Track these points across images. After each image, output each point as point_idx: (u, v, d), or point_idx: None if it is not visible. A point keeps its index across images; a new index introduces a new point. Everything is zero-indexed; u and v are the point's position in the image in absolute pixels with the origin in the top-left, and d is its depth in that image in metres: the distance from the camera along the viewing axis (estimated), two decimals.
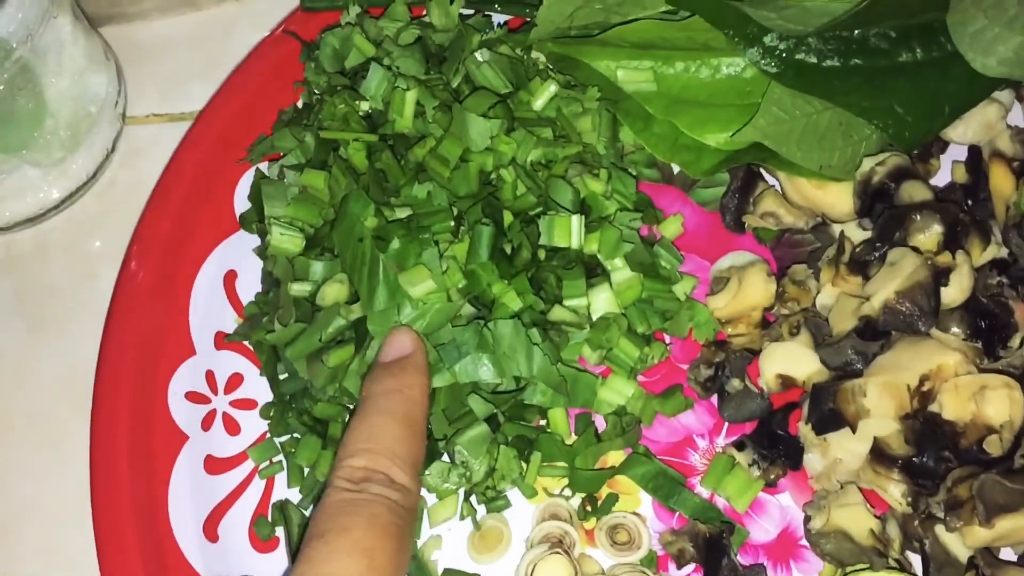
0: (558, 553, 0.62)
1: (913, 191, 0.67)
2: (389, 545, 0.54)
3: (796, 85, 0.66)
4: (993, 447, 0.61)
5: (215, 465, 0.69)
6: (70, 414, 0.74)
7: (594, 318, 0.65)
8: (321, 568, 0.52)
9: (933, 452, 0.61)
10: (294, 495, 0.67)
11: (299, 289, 0.65)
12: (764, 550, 0.66)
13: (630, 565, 0.64)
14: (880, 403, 0.62)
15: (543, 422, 0.66)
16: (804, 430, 0.65)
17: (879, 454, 0.62)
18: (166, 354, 0.71)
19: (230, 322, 0.72)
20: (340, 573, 0.52)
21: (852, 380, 0.63)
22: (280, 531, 0.67)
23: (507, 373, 0.62)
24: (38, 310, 0.78)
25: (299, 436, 0.67)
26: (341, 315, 0.63)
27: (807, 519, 0.64)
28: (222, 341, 0.71)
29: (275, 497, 0.68)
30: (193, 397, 0.70)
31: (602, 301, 0.65)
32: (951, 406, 0.61)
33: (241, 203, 0.74)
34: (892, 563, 0.62)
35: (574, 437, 0.66)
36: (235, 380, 0.71)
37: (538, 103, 0.69)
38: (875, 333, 0.64)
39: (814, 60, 0.66)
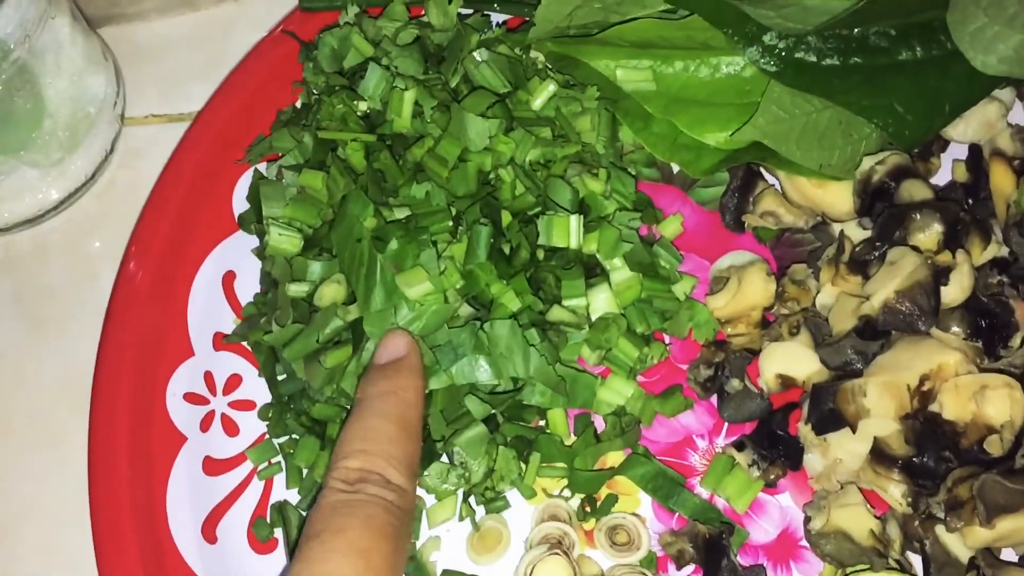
0: (557, 554, 0.62)
1: (913, 190, 0.66)
2: (385, 546, 0.54)
3: (795, 84, 0.66)
4: (994, 447, 0.61)
5: (214, 466, 0.69)
6: (69, 415, 0.74)
7: (593, 318, 0.65)
8: (317, 568, 0.52)
9: (933, 452, 0.61)
10: (293, 496, 0.67)
11: (297, 290, 0.65)
12: (764, 551, 0.66)
13: (629, 566, 0.64)
14: (880, 403, 0.61)
15: (542, 423, 0.66)
16: (804, 430, 0.65)
17: (879, 454, 0.62)
18: (165, 355, 0.71)
19: (229, 323, 0.72)
20: (336, 574, 0.52)
21: (852, 380, 0.63)
22: (279, 532, 0.67)
23: (504, 374, 0.62)
24: (37, 311, 0.78)
25: (297, 437, 0.67)
26: (338, 316, 0.63)
27: (807, 520, 0.64)
28: (221, 342, 0.71)
29: (274, 498, 0.68)
30: (192, 398, 0.70)
31: (601, 301, 0.65)
32: (951, 406, 0.61)
33: (240, 204, 0.74)
34: (892, 564, 0.61)
35: (573, 438, 0.66)
36: (234, 381, 0.71)
37: (537, 103, 0.68)
38: (875, 333, 0.64)
39: (813, 59, 0.66)
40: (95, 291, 0.77)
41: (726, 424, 0.68)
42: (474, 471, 0.62)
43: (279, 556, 0.67)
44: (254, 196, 0.71)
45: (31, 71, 0.72)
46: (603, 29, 0.71)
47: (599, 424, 0.67)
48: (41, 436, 0.75)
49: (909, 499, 0.62)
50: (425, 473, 0.62)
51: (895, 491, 0.62)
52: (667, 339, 0.69)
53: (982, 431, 0.61)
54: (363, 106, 0.68)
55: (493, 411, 0.63)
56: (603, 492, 0.66)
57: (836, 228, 0.69)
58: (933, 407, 0.62)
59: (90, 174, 0.79)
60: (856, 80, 0.66)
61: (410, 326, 0.61)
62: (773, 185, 0.72)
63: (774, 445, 0.66)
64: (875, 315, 0.63)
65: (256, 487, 0.68)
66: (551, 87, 0.68)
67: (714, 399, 0.68)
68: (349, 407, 0.65)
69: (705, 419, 0.68)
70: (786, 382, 0.66)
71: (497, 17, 0.76)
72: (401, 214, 0.64)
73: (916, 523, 0.62)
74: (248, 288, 0.72)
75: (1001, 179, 0.68)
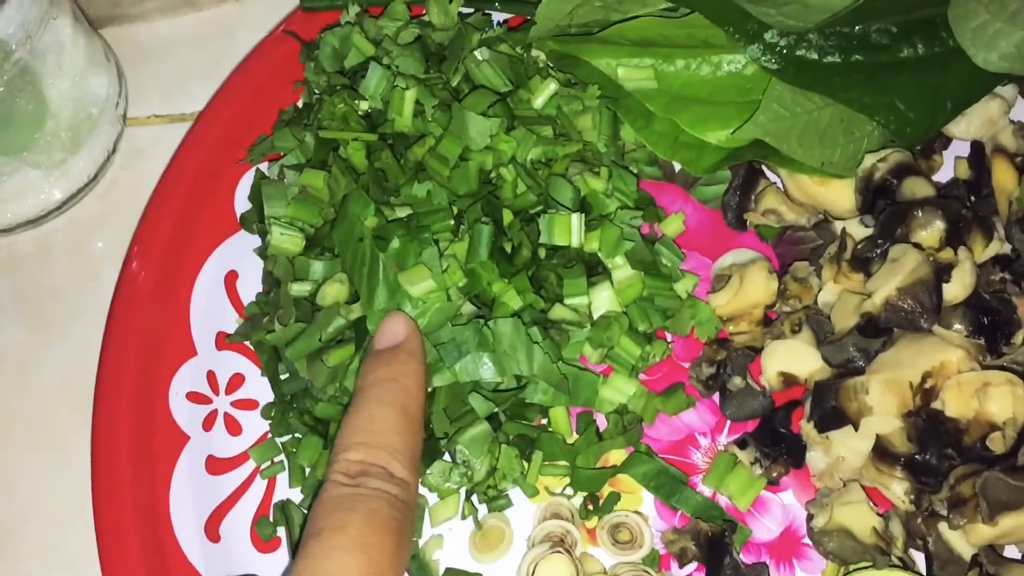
0: (560, 552, 0.62)
1: (915, 187, 0.66)
2: (388, 540, 0.53)
3: (797, 82, 0.66)
4: (996, 444, 0.61)
5: (217, 465, 0.69)
6: (71, 415, 0.74)
7: (595, 316, 0.65)
8: (319, 566, 0.51)
9: (936, 449, 0.61)
10: (296, 495, 0.67)
11: (299, 289, 0.65)
12: (766, 548, 0.66)
13: (632, 564, 0.64)
14: (882, 400, 0.61)
15: (544, 421, 0.66)
16: (806, 428, 0.65)
17: (882, 452, 0.62)
18: (167, 354, 0.71)
19: (231, 322, 0.72)
20: (339, 570, 0.51)
21: (854, 378, 0.63)
22: (282, 531, 0.67)
23: (508, 372, 0.62)
24: (40, 311, 0.78)
25: (300, 436, 0.67)
26: (341, 315, 0.63)
27: (810, 517, 0.64)
28: (223, 341, 0.71)
29: (277, 497, 0.68)
30: (194, 397, 0.70)
31: (603, 299, 0.65)
32: (954, 403, 0.61)
33: (242, 203, 0.74)
34: (895, 561, 0.61)
35: (575, 436, 0.66)
36: (236, 380, 0.71)
37: (538, 101, 0.68)
38: (877, 330, 0.64)
39: (815, 56, 0.66)
40: (97, 291, 0.77)
41: (728, 422, 0.68)
42: (477, 469, 0.62)
43: (282, 555, 0.67)
44: (256, 196, 0.72)
45: (33, 72, 0.72)
46: (604, 27, 0.71)
47: (601, 422, 0.67)
48: (43, 436, 0.75)
49: (912, 496, 0.62)
50: (428, 471, 0.62)
51: (898, 488, 0.62)
52: (669, 337, 0.69)
53: (984, 428, 0.61)
54: (364, 105, 0.68)
55: (497, 409, 0.63)
56: (605, 490, 0.66)
57: (838, 226, 0.69)
58: (935, 404, 0.62)
59: (92, 174, 0.80)
60: (857, 78, 0.66)
61: None
62: (775, 183, 0.72)
63: (776, 443, 0.66)
64: (877, 312, 0.63)
65: (259, 486, 0.68)
66: (552, 86, 0.68)
67: (716, 397, 0.68)
68: None
69: (707, 417, 0.68)
70: (788, 380, 0.66)
71: (498, 16, 0.76)
72: (403, 213, 0.64)
73: (919, 521, 0.62)
74: (250, 287, 0.72)
75: (1003, 176, 0.68)
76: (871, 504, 0.63)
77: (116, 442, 0.68)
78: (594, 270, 0.66)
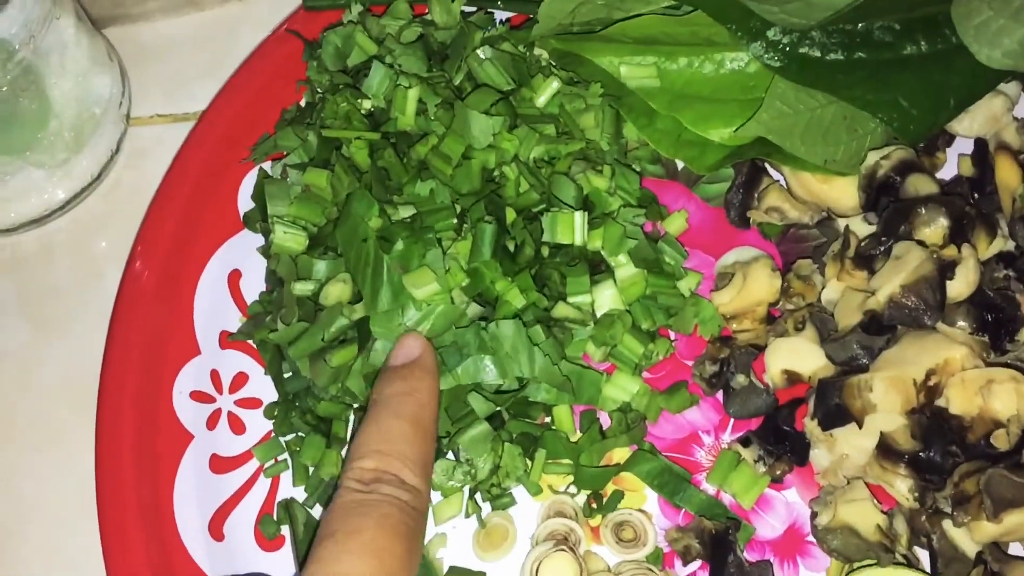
0: (563, 550, 0.62)
1: (919, 184, 0.66)
2: (399, 545, 0.54)
3: (800, 79, 0.66)
4: (1000, 441, 0.60)
5: (220, 464, 0.69)
6: (74, 415, 0.74)
7: (598, 315, 0.65)
8: (331, 568, 0.52)
9: (940, 447, 0.61)
10: (299, 494, 0.67)
11: (302, 288, 0.65)
12: (770, 546, 0.66)
13: (636, 562, 0.64)
14: (886, 398, 0.61)
15: (548, 419, 0.66)
16: (810, 426, 0.64)
17: (886, 449, 0.62)
18: (171, 353, 0.71)
19: (234, 321, 0.72)
20: (350, 574, 0.52)
21: (858, 375, 0.62)
22: (285, 530, 0.67)
23: (509, 374, 0.62)
24: (43, 311, 0.78)
25: (303, 435, 0.67)
26: (344, 315, 0.63)
27: (813, 515, 0.64)
28: (227, 340, 0.71)
29: (280, 496, 0.68)
30: (198, 396, 0.70)
31: (606, 298, 0.65)
32: (958, 400, 0.61)
33: (245, 202, 0.74)
34: (899, 559, 0.61)
35: (579, 434, 0.66)
36: (240, 379, 0.71)
37: (541, 100, 0.69)
38: (881, 328, 0.63)
39: (818, 54, 0.66)
40: (101, 291, 0.77)
41: (732, 420, 0.68)
42: (480, 468, 0.62)
43: (286, 553, 0.67)
44: (259, 195, 0.72)
45: (36, 72, 0.72)
46: (606, 26, 0.71)
47: (605, 420, 0.67)
48: (46, 436, 0.75)
49: (916, 494, 0.62)
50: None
51: (902, 486, 0.62)
52: (672, 335, 0.69)
53: (989, 425, 0.61)
54: (367, 104, 0.68)
55: (497, 408, 0.63)
56: (609, 488, 0.66)
57: (841, 223, 0.69)
58: (939, 402, 0.62)
59: (96, 174, 0.80)
60: (860, 75, 0.66)
61: (417, 327, 0.62)
62: (778, 181, 0.72)
63: (780, 441, 0.65)
64: (881, 310, 0.63)
65: (262, 485, 0.68)
66: (555, 84, 0.68)
67: (720, 395, 0.68)
68: (354, 405, 0.65)
69: (711, 415, 0.68)
70: (792, 378, 0.66)
71: (500, 14, 0.76)
72: (406, 212, 0.64)
73: (923, 518, 0.62)
74: (254, 286, 0.72)
75: (1007, 173, 0.68)
76: (875, 502, 0.63)
77: (120, 441, 0.68)
78: (597, 268, 0.66)
